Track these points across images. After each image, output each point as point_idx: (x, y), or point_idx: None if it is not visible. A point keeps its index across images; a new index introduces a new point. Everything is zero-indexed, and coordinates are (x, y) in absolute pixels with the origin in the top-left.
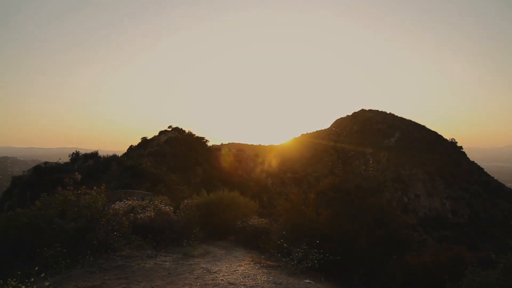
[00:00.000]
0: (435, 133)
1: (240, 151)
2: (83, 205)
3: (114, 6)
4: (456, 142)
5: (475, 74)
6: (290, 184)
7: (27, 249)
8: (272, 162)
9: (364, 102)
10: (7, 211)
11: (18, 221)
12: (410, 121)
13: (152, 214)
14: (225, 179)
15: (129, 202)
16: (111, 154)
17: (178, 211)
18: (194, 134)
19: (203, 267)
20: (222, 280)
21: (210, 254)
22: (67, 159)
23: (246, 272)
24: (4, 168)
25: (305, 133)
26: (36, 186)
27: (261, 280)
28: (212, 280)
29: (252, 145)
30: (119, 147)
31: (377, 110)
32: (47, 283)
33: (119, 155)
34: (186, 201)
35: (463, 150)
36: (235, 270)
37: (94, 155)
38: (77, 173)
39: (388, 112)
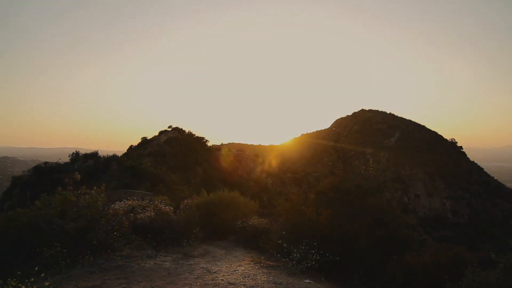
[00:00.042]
0: (435, 133)
1: (240, 151)
2: (83, 205)
3: (114, 6)
4: (456, 142)
5: (475, 74)
6: (290, 184)
7: (27, 249)
8: (272, 162)
9: (364, 102)
10: (7, 211)
11: (18, 221)
12: (410, 121)
13: (152, 214)
14: (225, 179)
15: (129, 202)
16: (111, 154)
17: (178, 211)
18: (194, 134)
19: (203, 267)
20: (222, 280)
21: (210, 254)
22: (67, 159)
23: (246, 272)
24: (4, 168)
25: (305, 133)
26: (36, 186)
27: (261, 280)
28: (212, 280)
29: (252, 145)
30: (119, 147)
31: (377, 110)
32: (47, 283)
33: (119, 155)
34: (186, 201)
35: (463, 150)
36: (235, 270)
37: (94, 155)
38: (77, 173)
39: (388, 112)
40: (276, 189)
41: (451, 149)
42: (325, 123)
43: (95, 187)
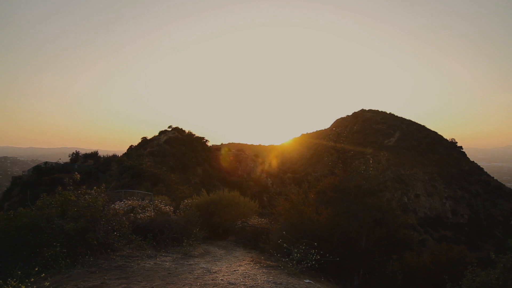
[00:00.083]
0: (435, 133)
1: (240, 151)
2: (83, 205)
3: (114, 6)
4: (456, 142)
5: (475, 74)
6: (290, 184)
7: (27, 249)
8: (272, 162)
9: (364, 102)
10: (7, 211)
11: (18, 221)
12: (410, 121)
13: (152, 214)
14: (225, 179)
15: (129, 202)
16: (111, 154)
17: (178, 211)
18: (194, 134)
19: (203, 267)
20: (222, 280)
21: (210, 254)
22: (67, 159)
23: (246, 272)
24: (4, 168)
25: (305, 133)
26: (36, 186)
27: (261, 280)
28: (212, 280)
29: (252, 145)
30: (119, 147)
31: (377, 110)
32: (47, 283)
33: (119, 155)
34: (186, 201)
35: (463, 150)
36: (235, 270)
37: (94, 155)
38: (76, 173)
39: (388, 112)
40: (276, 189)
41: (451, 149)
42: (325, 123)
43: (95, 187)
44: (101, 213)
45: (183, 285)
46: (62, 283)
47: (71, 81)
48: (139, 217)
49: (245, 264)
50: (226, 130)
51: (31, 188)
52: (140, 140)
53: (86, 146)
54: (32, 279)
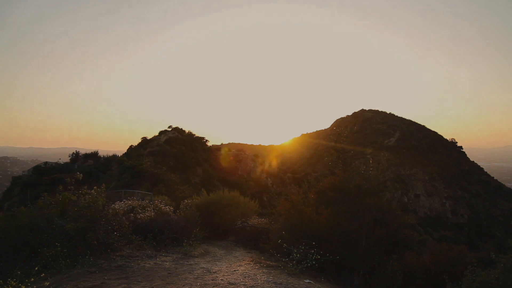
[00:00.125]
0: (435, 133)
1: (240, 151)
2: (83, 205)
3: (115, 6)
4: (456, 142)
5: (475, 74)
6: (290, 184)
7: (27, 249)
8: (272, 162)
9: (364, 102)
10: (7, 211)
11: (18, 221)
12: (410, 121)
13: (152, 214)
14: (225, 179)
15: (129, 202)
16: (111, 154)
17: (178, 211)
18: (194, 134)
19: (203, 267)
20: (222, 280)
21: (210, 254)
22: (67, 159)
23: (246, 272)
24: (4, 168)
25: (305, 133)
26: (36, 186)
27: (261, 280)
28: (212, 280)
29: (252, 145)
30: (119, 147)
31: (377, 110)
32: (47, 283)
33: (119, 155)
34: (186, 201)
35: (463, 150)
36: (235, 270)
37: (94, 155)
38: (78, 173)
39: (388, 112)
40: (276, 189)
41: (451, 149)
42: (325, 123)
43: (95, 187)
44: (101, 213)
45: (183, 285)
46: (62, 283)
47: (71, 81)
48: (139, 217)
49: (245, 264)
50: (226, 130)
51: (31, 188)
52: (140, 140)
53: (86, 146)
54: (32, 279)
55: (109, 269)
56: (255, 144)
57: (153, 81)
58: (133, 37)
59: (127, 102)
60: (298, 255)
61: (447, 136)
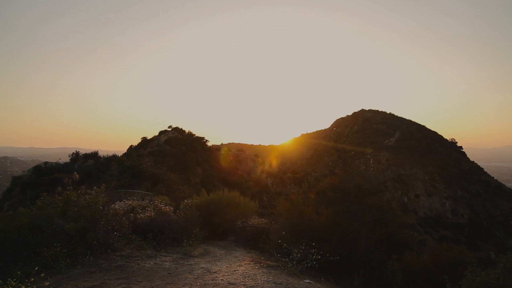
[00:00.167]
0: (435, 133)
1: (240, 151)
2: (83, 205)
3: (115, 6)
4: (456, 142)
5: (475, 74)
6: (290, 184)
7: (27, 249)
8: (272, 162)
9: (364, 102)
10: (7, 211)
11: (18, 221)
12: (410, 121)
13: (152, 214)
14: (225, 179)
15: (129, 202)
16: (111, 154)
17: (178, 211)
18: (194, 134)
19: (203, 267)
20: (222, 280)
21: (210, 254)
22: (67, 159)
23: (246, 272)
24: (4, 168)
25: (305, 133)
26: (36, 186)
27: (261, 280)
28: (212, 280)
29: (252, 145)
30: (119, 147)
31: (377, 110)
32: (47, 283)
33: (119, 155)
34: (186, 201)
35: (463, 150)
36: (235, 270)
37: (94, 155)
38: (75, 173)
39: (388, 112)
40: (276, 189)
41: (451, 149)
42: (325, 123)
43: (95, 187)
44: (101, 213)
45: (183, 285)
46: (62, 283)
47: (71, 81)
48: (139, 217)
49: (245, 264)
50: (226, 130)
51: (31, 188)
52: (140, 140)
53: (86, 146)
54: (32, 279)
55: (109, 269)
56: (255, 144)
57: (153, 81)
58: (133, 37)
59: (127, 102)
60: (298, 255)
61: (447, 136)
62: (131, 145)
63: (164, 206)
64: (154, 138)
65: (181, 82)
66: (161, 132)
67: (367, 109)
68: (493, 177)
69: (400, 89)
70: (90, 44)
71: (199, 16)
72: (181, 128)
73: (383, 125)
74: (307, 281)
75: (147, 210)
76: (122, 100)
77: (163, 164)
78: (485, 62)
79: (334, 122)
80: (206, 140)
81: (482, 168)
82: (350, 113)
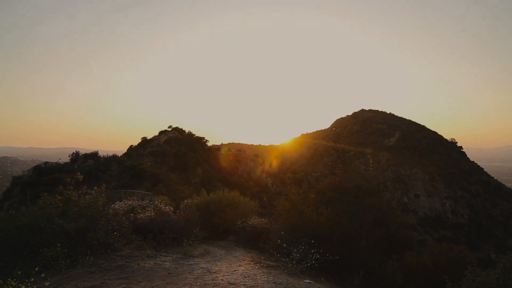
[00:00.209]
0: (435, 133)
1: (240, 151)
2: (83, 205)
3: (115, 7)
4: (456, 142)
5: (475, 75)
6: (290, 184)
7: (27, 249)
8: (272, 162)
9: (364, 102)
10: (7, 211)
11: (18, 221)
12: (410, 121)
13: (152, 214)
14: (225, 179)
15: (129, 202)
16: (111, 154)
17: (178, 211)
18: (194, 134)
19: (203, 267)
20: (222, 280)
21: (210, 254)
22: (67, 159)
23: (246, 272)
24: (4, 168)
25: (305, 133)
26: (36, 186)
27: (261, 280)
28: (212, 280)
29: (252, 145)
30: (119, 147)
31: (377, 110)
32: (47, 283)
33: (119, 155)
34: (186, 201)
35: (463, 150)
36: (235, 270)
37: (94, 155)
38: (79, 173)
39: (388, 112)
40: (276, 189)
41: (451, 149)
42: (325, 123)
43: (95, 187)
44: (101, 213)
45: (183, 285)
46: (62, 283)
47: (71, 81)
48: (139, 217)
49: (245, 264)
50: (226, 130)
51: (31, 188)
52: (140, 140)
53: (86, 146)
54: (32, 279)
55: (109, 269)
56: (255, 144)
57: (153, 81)
58: (133, 38)
59: (127, 102)
60: (298, 255)
61: (447, 136)
62: (131, 145)
63: (164, 206)
64: (154, 138)
65: (181, 82)
66: (161, 132)
67: (367, 109)
68: (493, 177)
69: (400, 89)
70: (91, 44)
71: (199, 16)
72: (181, 128)
73: (383, 125)
74: (307, 281)
75: (147, 210)
76: (122, 100)
77: (163, 164)
78: (485, 62)
79: (334, 122)
80: (206, 140)
81: (482, 168)
82: (350, 113)
